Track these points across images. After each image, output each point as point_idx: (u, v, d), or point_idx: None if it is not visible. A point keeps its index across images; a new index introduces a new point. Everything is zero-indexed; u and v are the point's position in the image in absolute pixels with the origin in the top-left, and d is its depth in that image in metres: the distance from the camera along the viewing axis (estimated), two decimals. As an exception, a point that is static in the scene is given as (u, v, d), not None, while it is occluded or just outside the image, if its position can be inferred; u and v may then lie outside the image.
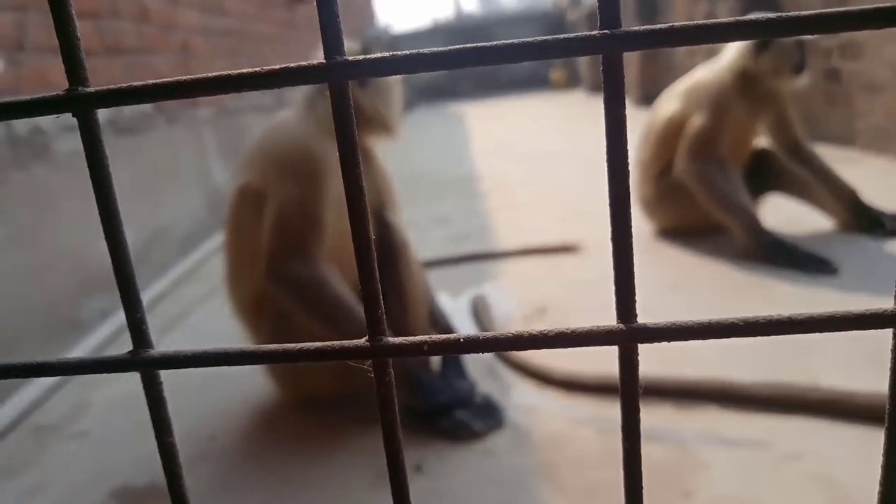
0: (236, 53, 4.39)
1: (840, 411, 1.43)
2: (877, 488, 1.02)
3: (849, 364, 1.61)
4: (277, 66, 0.21)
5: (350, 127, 0.21)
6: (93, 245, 2.49)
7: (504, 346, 0.23)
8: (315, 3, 0.22)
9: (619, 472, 1.27)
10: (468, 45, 0.20)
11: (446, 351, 0.22)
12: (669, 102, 2.77)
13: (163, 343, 2.36)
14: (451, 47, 0.20)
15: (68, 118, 1.97)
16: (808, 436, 1.39)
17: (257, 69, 0.21)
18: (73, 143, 2.41)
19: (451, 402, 1.56)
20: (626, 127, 0.21)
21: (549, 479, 1.35)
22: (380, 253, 1.72)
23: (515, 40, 0.20)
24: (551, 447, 1.46)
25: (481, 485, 1.37)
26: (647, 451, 1.40)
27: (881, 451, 1.01)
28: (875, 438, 1.34)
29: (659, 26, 0.20)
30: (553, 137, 6.30)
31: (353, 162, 0.21)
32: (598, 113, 8.01)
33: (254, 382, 1.85)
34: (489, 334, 0.22)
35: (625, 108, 0.20)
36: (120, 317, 2.51)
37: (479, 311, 2.20)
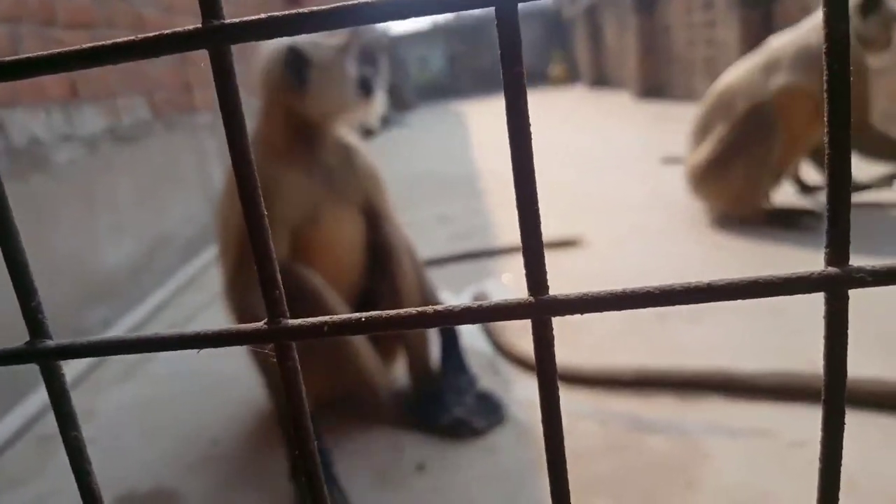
0: (236, 59, 4.40)
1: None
2: (882, 477, 0.99)
3: (851, 349, 1.58)
4: (155, 34, 0.19)
5: (233, 94, 0.20)
6: (94, 254, 2.49)
7: (409, 323, 0.22)
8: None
9: (621, 463, 1.25)
10: (356, 2, 0.19)
11: (347, 331, 0.21)
12: (771, 75, 2.51)
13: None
14: (341, 4, 0.19)
15: (65, 128, 1.95)
16: (813, 423, 1.36)
17: (135, 37, 0.20)
18: (70, 153, 2.41)
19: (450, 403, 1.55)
20: (525, 90, 0.20)
21: (551, 474, 1.34)
22: (373, 253, 1.68)
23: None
24: (553, 442, 1.44)
25: (483, 481, 1.35)
26: (651, 442, 1.39)
27: (886, 436, 0.99)
28: (880, 424, 1.31)
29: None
30: (553, 133, 6.27)
31: (240, 133, 0.20)
32: (597, 107, 7.98)
33: (254, 386, 1.85)
34: (393, 313, 0.21)
35: (522, 65, 0.19)
36: (123, 324, 2.51)
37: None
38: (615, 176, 4.04)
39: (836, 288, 0.19)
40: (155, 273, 2.93)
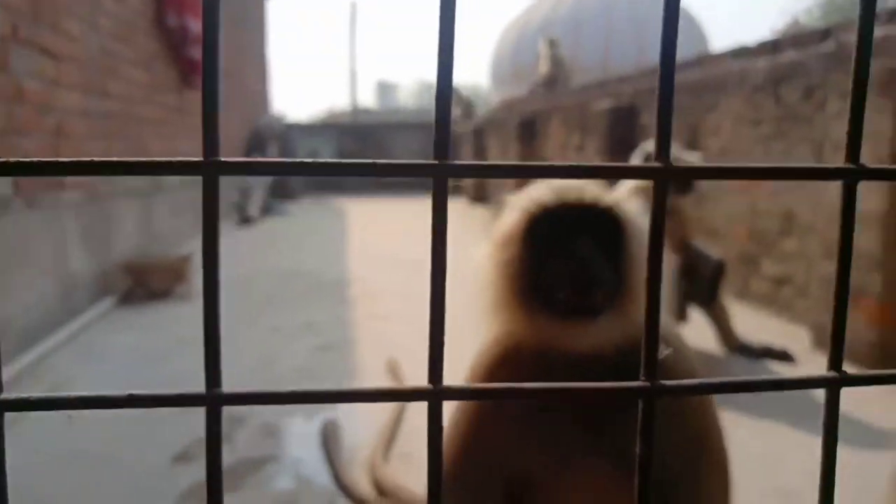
0: (115, 136, 4.26)
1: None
2: None
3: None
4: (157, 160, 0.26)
5: (215, 222, 0.27)
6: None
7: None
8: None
9: None
10: (318, 161, 0.29)
11: None
12: None
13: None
14: (305, 160, 0.28)
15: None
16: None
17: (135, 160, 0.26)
18: None
19: None
20: (446, 251, 0.30)
21: None
22: None
23: (360, 161, 0.29)
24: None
25: None
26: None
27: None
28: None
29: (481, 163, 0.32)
30: (426, 246, 6.45)
31: (214, 254, 0.27)
32: (474, 223, 8.35)
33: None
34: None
35: (446, 228, 0.30)
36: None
37: (329, 440, 2.08)
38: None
39: None
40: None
